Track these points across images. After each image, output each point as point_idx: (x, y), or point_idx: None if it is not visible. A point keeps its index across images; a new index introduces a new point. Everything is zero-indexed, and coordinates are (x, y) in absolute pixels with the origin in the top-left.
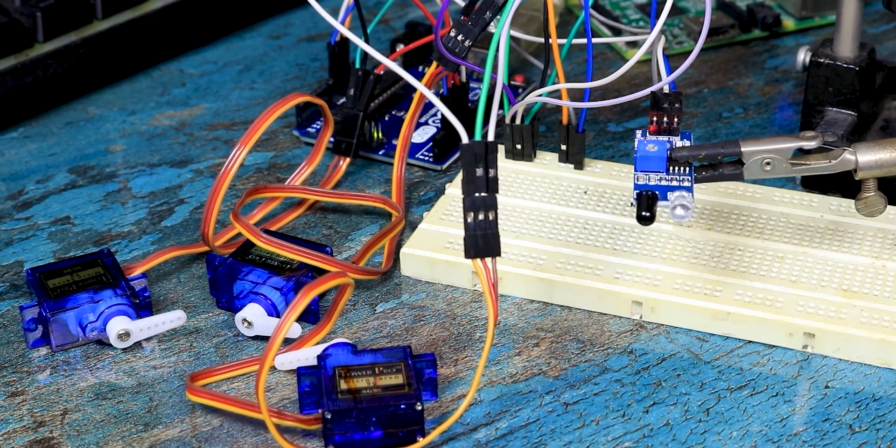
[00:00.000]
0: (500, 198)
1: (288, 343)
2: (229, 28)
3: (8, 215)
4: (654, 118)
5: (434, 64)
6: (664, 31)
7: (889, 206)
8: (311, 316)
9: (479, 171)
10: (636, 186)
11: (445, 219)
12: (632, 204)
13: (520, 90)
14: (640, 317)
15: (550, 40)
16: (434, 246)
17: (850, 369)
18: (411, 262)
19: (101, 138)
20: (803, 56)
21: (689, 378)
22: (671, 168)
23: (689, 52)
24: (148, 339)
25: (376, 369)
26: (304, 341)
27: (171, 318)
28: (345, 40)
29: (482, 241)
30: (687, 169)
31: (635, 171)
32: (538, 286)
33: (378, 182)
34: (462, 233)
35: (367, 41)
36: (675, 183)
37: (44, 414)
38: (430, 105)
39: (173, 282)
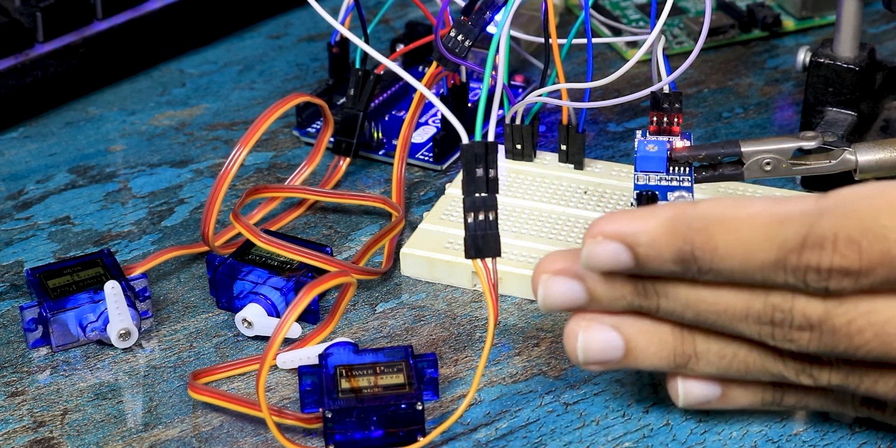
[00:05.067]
0: (500, 198)
1: (289, 343)
2: (229, 28)
3: (8, 215)
4: (654, 118)
5: (434, 64)
6: (664, 31)
7: None
8: (311, 316)
9: (480, 172)
10: (636, 186)
11: (445, 219)
12: (632, 204)
13: (520, 90)
14: None
15: (550, 40)
16: (434, 246)
17: None
18: (411, 262)
19: (101, 138)
20: (803, 56)
21: None
22: (671, 168)
23: (689, 52)
24: (148, 340)
25: (377, 369)
26: (307, 341)
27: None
28: (345, 40)
29: (482, 242)
30: (687, 169)
31: (635, 171)
32: None
33: (378, 182)
34: (462, 233)
35: (367, 41)
36: (675, 183)
37: (44, 414)
38: (430, 105)
39: (173, 282)
